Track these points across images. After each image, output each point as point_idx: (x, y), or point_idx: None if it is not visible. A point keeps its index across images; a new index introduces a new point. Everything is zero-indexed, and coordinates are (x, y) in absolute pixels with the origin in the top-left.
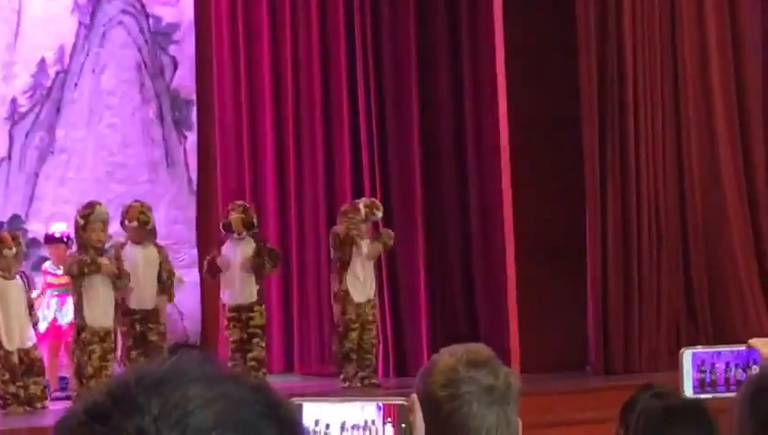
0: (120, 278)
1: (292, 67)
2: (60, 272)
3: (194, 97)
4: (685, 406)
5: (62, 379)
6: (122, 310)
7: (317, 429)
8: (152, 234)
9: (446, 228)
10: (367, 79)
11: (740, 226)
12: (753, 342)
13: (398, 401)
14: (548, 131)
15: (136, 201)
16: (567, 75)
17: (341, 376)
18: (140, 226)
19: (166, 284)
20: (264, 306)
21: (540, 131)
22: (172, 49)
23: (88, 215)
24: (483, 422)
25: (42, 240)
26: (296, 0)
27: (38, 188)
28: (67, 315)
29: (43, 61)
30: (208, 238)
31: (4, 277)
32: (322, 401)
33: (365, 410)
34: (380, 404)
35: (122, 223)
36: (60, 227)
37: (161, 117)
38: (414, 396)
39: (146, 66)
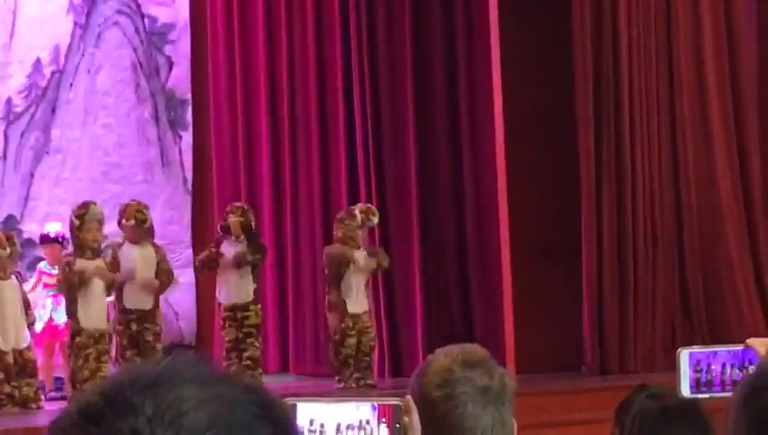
0: (113, 281)
1: (288, 67)
2: (55, 272)
3: (189, 97)
4: (680, 406)
5: (58, 379)
6: (119, 309)
7: (312, 428)
8: (150, 233)
9: (442, 229)
10: (362, 78)
11: (735, 225)
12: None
13: (393, 401)
14: (543, 131)
15: (133, 200)
16: (562, 75)
17: (337, 377)
18: (138, 224)
19: (164, 284)
20: (259, 306)
21: (535, 131)
22: (167, 49)
23: (83, 215)
24: (478, 423)
25: (37, 240)
26: (291, 0)
27: (33, 189)
28: (63, 315)
29: (38, 61)
30: (203, 238)
31: (0, 278)
32: (317, 402)
33: (360, 410)
34: (375, 404)
35: (120, 222)
36: (55, 228)
37: (156, 117)
38: (409, 397)
39: (141, 66)
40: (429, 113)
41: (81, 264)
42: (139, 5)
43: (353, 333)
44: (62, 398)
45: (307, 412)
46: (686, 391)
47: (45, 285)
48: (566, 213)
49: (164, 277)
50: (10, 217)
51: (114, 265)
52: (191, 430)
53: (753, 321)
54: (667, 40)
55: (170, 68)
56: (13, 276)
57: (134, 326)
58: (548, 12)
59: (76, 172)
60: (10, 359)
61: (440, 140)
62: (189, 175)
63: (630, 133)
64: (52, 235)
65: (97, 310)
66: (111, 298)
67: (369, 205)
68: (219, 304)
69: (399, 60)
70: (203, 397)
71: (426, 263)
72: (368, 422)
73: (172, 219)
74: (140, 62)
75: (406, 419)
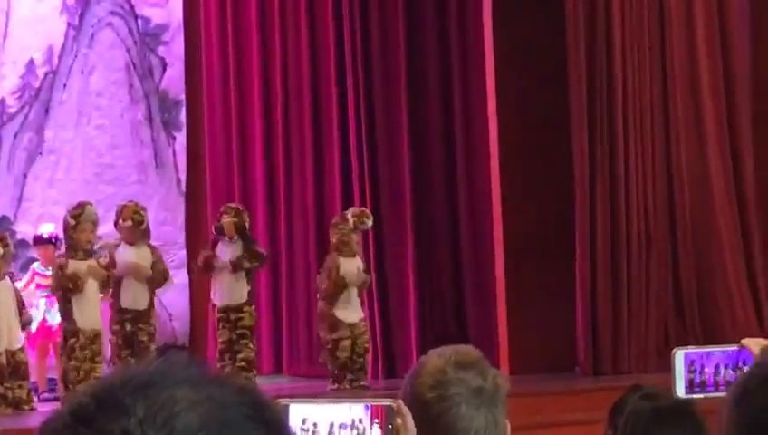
0: (107, 278)
1: (282, 69)
2: (48, 272)
3: (183, 98)
4: (673, 407)
5: (51, 380)
6: (114, 309)
7: (304, 427)
8: (146, 234)
9: (436, 230)
10: (356, 82)
11: (728, 226)
12: (746, 342)
13: (386, 401)
14: (537, 132)
15: (130, 201)
16: (556, 76)
17: (331, 379)
18: (135, 225)
19: (159, 282)
20: (253, 307)
21: (529, 132)
22: (161, 50)
23: (78, 215)
24: (471, 424)
25: (30, 241)
26: (285, 3)
27: (26, 190)
28: (56, 316)
29: (31, 62)
30: (197, 240)
31: None
32: (309, 402)
33: (353, 410)
34: (368, 405)
35: (116, 223)
36: (48, 228)
37: (150, 118)
38: (400, 401)
39: (135, 67)
40: (423, 117)
41: (73, 265)
42: (132, 6)
43: (348, 339)
44: (55, 399)
45: (299, 413)
46: (680, 391)
47: (39, 286)
48: (560, 213)
49: (159, 277)
50: (3, 218)
51: (111, 265)
52: (183, 431)
53: (745, 321)
54: (661, 40)
55: (164, 69)
56: (6, 277)
57: (128, 326)
58: (541, 13)
59: (69, 173)
60: (3, 360)
61: (434, 141)
62: (183, 176)
63: (624, 133)
64: (46, 236)
65: (92, 310)
66: (107, 297)
67: (363, 208)
68: (214, 305)
69: (393, 63)
70: (195, 398)
71: (419, 264)
72: (360, 421)
73: (166, 220)
74: (134, 63)
75: (398, 420)
